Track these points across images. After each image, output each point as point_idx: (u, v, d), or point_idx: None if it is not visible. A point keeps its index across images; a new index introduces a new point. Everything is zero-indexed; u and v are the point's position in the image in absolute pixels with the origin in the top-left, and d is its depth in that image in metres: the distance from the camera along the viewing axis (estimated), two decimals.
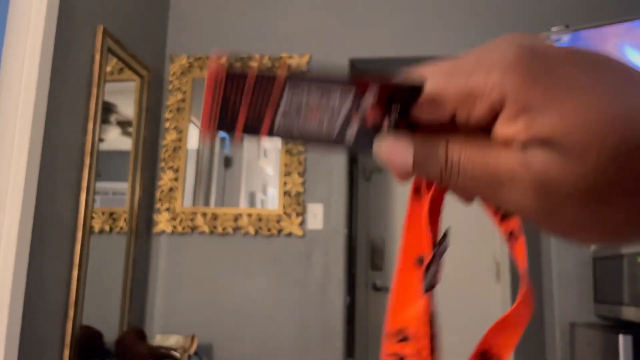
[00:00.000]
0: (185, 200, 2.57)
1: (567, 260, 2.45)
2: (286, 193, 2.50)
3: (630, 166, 0.21)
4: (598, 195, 0.21)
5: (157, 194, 2.58)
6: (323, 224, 2.48)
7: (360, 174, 3.52)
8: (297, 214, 2.47)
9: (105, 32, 2.10)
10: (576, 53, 0.22)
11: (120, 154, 2.36)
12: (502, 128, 0.22)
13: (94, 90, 2.04)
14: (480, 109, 0.22)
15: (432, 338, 0.28)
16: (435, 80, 0.23)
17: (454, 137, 0.24)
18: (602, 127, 0.20)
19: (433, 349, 0.28)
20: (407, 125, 0.25)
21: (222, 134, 0.26)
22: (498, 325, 0.27)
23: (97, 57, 2.06)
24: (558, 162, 0.21)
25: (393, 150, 0.25)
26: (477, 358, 0.27)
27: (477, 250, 3.45)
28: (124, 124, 2.36)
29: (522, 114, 0.21)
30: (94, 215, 2.07)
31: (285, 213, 2.48)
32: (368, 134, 0.25)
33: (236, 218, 2.51)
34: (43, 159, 1.76)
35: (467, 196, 0.26)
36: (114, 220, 2.26)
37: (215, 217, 2.52)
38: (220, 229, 2.50)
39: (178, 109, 2.64)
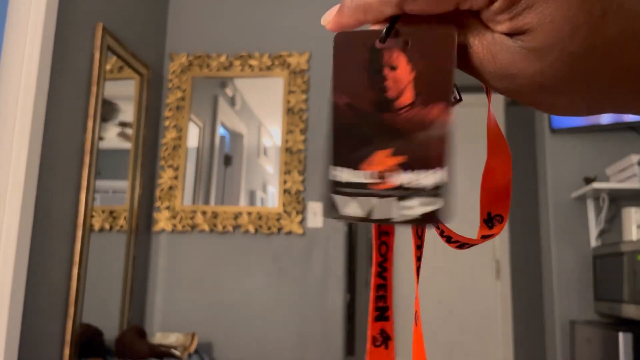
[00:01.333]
0: (185, 199, 2.57)
1: (567, 259, 2.45)
2: (286, 191, 2.50)
3: (582, 68, 0.23)
4: (551, 88, 0.24)
5: (157, 192, 2.58)
6: (323, 222, 2.48)
7: None
8: (297, 212, 2.47)
9: (105, 30, 2.09)
10: None
11: (120, 152, 2.36)
12: (489, 16, 0.24)
13: (94, 89, 2.03)
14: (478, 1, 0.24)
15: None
16: None
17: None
18: (567, 34, 0.23)
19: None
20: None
21: None
22: (483, 191, 0.30)
23: (97, 55, 2.06)
24: (523, 56, 0.24)
25: None
26: (485, 222, 0.29)
27: (477, 248, 3.45)
28: (123, 122, 2.36)
29: (511, 7, 0.23)
30: (93, 213, 2.07)
31: (285, 211, 2.48)
32: None
33: (236, 216, 2.51)
34: (43, 157, 1.76)
35: None
36: (114, 218, 2.26)
37: (215, 215, 2.52)
38: (220, 227, 2.50)
39: (178, 107, 2.64)
